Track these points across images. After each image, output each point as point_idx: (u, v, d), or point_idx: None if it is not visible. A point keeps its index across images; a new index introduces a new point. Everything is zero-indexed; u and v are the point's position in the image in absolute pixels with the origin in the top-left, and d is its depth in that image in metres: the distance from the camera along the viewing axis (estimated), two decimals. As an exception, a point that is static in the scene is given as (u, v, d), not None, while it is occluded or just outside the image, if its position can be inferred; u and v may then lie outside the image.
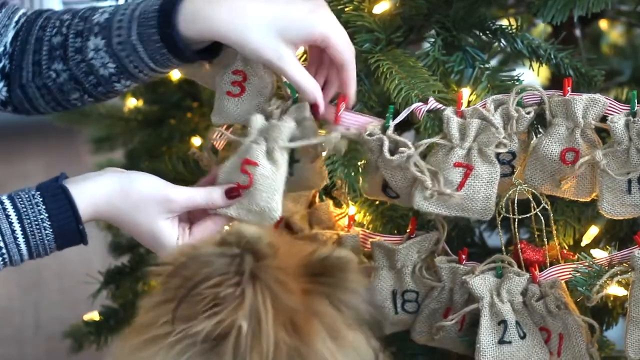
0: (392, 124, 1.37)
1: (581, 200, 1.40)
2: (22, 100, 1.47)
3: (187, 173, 1.84)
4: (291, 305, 1.12)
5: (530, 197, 1.40)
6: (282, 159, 1.34)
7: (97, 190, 1.31)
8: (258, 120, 1.35)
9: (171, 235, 1.34)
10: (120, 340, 1.28)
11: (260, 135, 1.34)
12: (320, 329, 1.13)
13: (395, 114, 1.38)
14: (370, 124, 1.38)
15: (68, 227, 1.28)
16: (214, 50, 1.40)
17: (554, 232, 1.46)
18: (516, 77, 1.46)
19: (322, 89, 1.38)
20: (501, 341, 1.40)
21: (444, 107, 1.38)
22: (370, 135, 1.37)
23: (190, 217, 1.37)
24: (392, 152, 1.36)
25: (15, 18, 1.46)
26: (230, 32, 1.34)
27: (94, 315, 2.06)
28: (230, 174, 1.34)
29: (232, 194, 1.34)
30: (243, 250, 1.12)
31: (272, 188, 1.33)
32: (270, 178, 1.33)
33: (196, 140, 1.88)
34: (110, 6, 1.44)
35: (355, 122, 1.39)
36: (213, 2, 1.35)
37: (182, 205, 1.33)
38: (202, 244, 1.18)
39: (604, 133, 1.38)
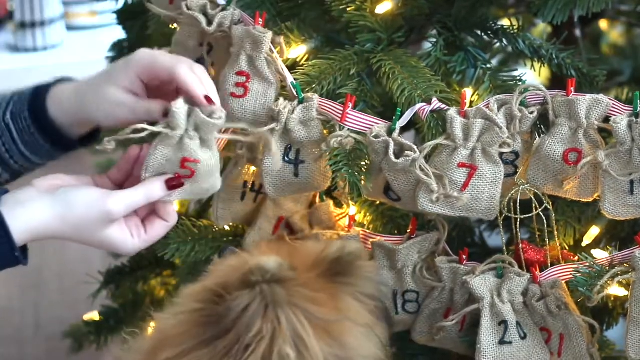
0: (398, 126, 1.37)
1: (583, 200, 1.40)
2: None
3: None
4: (325, 317, 1.16)
5: (532, 197, 1.41)
6: (213, 140, 1.34)
7: (32, 218, 1.30)
8: (182, 110, 1.32)
9: (124, 239, 1.35)
10: None
11: (189, 126, 1.33)
12: (352, 329, 1.18)
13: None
14: (376, 125, 1.39)
15: (3, 254, 1.29)
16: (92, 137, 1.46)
17: (555, 232, 1.46)
18: (518, 78, 1.46)
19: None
20: (502, 341, 1.40)
21: (448, 107, 1.39)
22: (376, 137, 1.37)
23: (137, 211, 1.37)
24: (397, 155, 1.36)
25: None
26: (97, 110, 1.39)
27: (94, 315, 2.05)
28: (164, 166, 1.34)
29: (172, 183, 1.34)
30: (269, 282, 1.15)
31: (213, 170, 1.35)
32: (210, 164, 1.34)
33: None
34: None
35: (360, 121, 1.40)
36: (82, 86, 1.42)
37: (123, 212, 1.33)
38: (226, 285, 1.18)
39: (605, 133, 1.38)
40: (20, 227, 1.29)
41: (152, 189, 1.34)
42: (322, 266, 1.21)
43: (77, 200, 1.32)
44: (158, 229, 1.37)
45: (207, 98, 1.33)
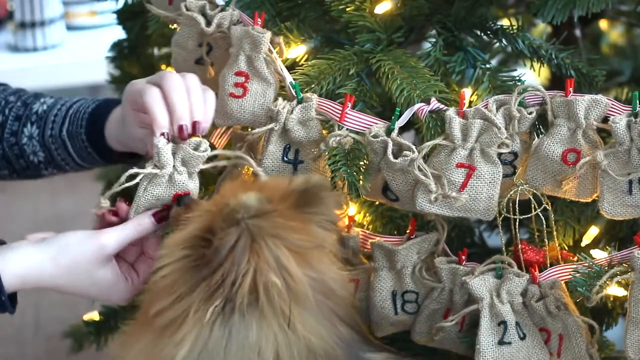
0: (396, 126, 1.38)
1: (582, 200, 1.40)
2: None
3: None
4: (302, 244, 1.25)
5: (531, 197, 1.40)
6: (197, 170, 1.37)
7: (23, 261, 1.30)
8: (165, 148, 1.34)
9: (117, 281, 1.35)
10: (133, 330, 1.30)
11: (176, 162, 1.34)
12: (322, 254, 1.28)
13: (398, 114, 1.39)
14: (375, 125, 1.39)
15: None
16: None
17: (554, 232, 1.46)
18: (517, 78, 1.46)
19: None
20: (501, 342, 1.40)
21: (446, 107, 1.39)
22: (374, 136, 1.37)
23: (124, 255, 1.38)
24: (396, 155, 1.36)
25: None
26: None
27: (94, 315, 2.05)
28: (155, 205, 1.36)
29: (160, 215, 1.35)
30: (252, 217, 1.21)
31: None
32: (196, 193, 1.38)
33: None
34: (52, 98, 1.54)
35: (359, 121, 1.40)
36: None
37: (116, 247, 1.34)
38: (210, 228, 1.24)
39: (604, 133, 1.38)
40: (10, 270, 1.29)
41: (141, 223, 1.35)
42: (291, 198, 1.28)
43: (69, 240, 1.32)
44: (149, 269, 1.36)
45: (180, 128, 1.35)
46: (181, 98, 1.35)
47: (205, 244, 1.24)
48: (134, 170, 1.34)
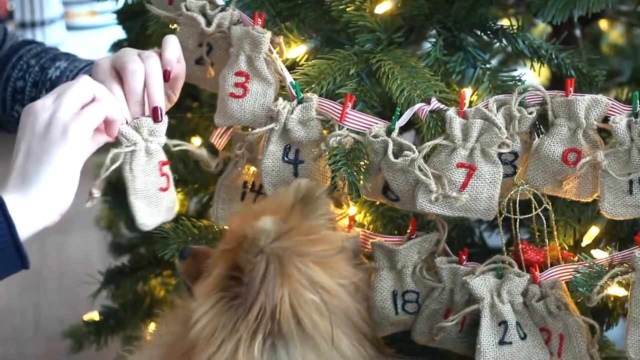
0: (397, 126, 1.38)
1: (582, 200, 1.40)
2: (2, 128, 1.56)
3: (187, 173, 1.84)
4: (324, 254, 1.25)
5: (531, 197, 1.41)
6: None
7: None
8: (127, 128, 1.33)
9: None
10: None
11: (145, 134, 1.34)
12: (339, 256, 1.29)
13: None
14: (375, 125, 1.39)
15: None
16: None
17: (555, 232, 1.46)
18: (518, 78, 1.46)
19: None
20: (502, 342, 1.40)
21: (447, 107, 1.39)
22: (375, 136, 1.37)
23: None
24: (396, 154, 1.36)
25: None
26: None
27: (94, 315, 2.06)
28: (147, 183, 1.35)
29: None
30: (273, 241, 1.21)
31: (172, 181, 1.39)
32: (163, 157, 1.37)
33: (196, 141, 1.87)
34: (67, 61, 1.52)
35: (360, 121, 1.40)
36: None
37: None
38: (235, 264, 1.24)
39: (604, 133, 1.38)
40: None
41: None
42: (296, 211, 1.28)
43: None
44: None
45: (155, 109, 1.34)
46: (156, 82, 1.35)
47: (235, 282, 1.24)
48: (116, 150, 1.33)
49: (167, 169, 1.37)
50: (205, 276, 1.28)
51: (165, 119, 1.36)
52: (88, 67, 1.51)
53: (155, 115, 1.34)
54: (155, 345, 1.40)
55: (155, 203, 1.36)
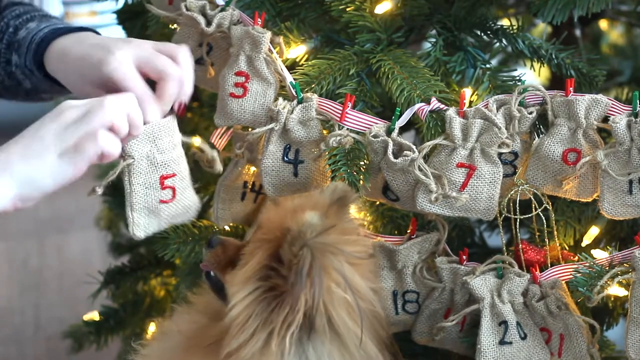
0: (397, 126, 1.38)
1: (582, 200, 1.40)
2: None
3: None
4: (360, 256, 1.27)
5: (531, 197, 1.41)
6: (180, 147, 1.36)
7: None
8: (134, 142, 1.32)
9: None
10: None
11: (153, 143, 1.33)
12: (370, 262, 1.31)
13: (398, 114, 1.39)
14: (375, 125, 1.39)
15: None
16: None
17: (555, 232, 1.46)
18: (518, 78, 1.46)
19: None
20: (502, 342, 1.40)
21: (447, 107, 1.39)
22: (375, 136, 1.37)
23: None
24: (396, 154, 1.36)
25: None
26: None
27: (94, 315, 2.05)
28: (147, 195, 1.35)
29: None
30: (317, 236, 1.22)
31: (187, 183, 1.38)
32: (185, 175, 1.36)
33: (196, 140, 1.88)
34: (36, 21, 1.47)
35: (360, 121, 1.40)
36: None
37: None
38: (277, 255, 1.25)
39: (604, 133, 1.38)
40: None
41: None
42: (332, 209, 1.28)
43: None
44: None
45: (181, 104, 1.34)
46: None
47: (274, 273, 1.24)
48: (126, 163, 1.33)
49: (172, 181, 1.35)
50: (242, 264, 1.28)
51: (178, 136, 1.35)
52: (47, 27, 1.44)
53: (181, 110, 1.34)
54: (170, 338, 1.39)
55: (155, 214, 1.36)
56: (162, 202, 1.35)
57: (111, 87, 1.32)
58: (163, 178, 1.34)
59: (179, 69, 1.32)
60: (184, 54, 1.34)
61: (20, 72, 1.46)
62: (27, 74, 1.45)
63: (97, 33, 1.43)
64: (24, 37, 1.44)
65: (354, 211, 1.37)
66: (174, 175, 1.35)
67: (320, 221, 1.23)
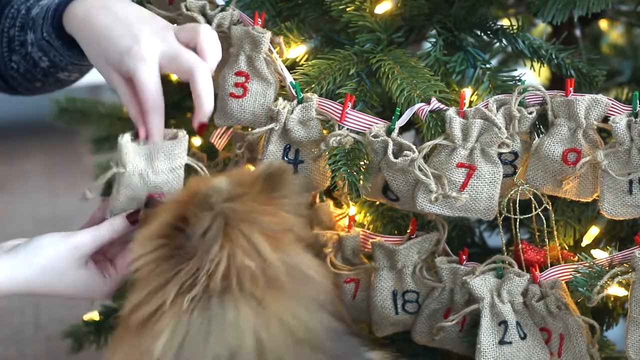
0: (397, 126, 1.38)
1: (582, 200, 1.40)
2: (10, 88, 1.51)
3: (186, 173, 1.84)
4: (274, 228, 1.24)
5: (531, 197, 1.41)
6: (181, 167, 1.35)
7: None
8: (127, 145, 1.33)
9: (96, 279, 1.33)
10: (117, 335, 1.29)
11: (153, 160, 1.34)
12: (293, 240, 1.27)
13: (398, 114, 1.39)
14: (375, 125, 1.39)
15: None
16: None
17: (555, 232, 1.46)
18: (518, 78, 1.46)
19: None
20: (502, 342, 1.40)
21: (447, 107, 1.39)
22: (375, 136, 1.37)
23: (104, 253, 1.37)
24: (396, 154, 1.36)
25: None
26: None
27: (94, 315, 2.05)
28: (127, 204, 1.35)
29: (134, 218, 1.35)
30: (225, 201, 1.20)
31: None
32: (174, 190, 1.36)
33: (196, 141, 1.88)
34: None
35: (360, 121, 1.40)
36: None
37: (91, 246, 1.32)
38: (182, 216, 1.22)
39: (604, 133, 1.38)
40: None
41: (114, 225, 1.34)
42: (257, 184, 1.26)
43: (43, 243, 1.31)
44: (129, 265, 1.34)
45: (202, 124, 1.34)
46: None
47: (178, 233, 1.23)
48: (113, 170, 1.34)
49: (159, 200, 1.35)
50: (150, 222, 1.27)
51: (182, 160, 1.35)
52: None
53: (200, 130, 1.33)
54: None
55: None
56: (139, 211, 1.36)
57: (128, 76, 1.32)
58: (150, 196, 1.35)
59: (205, 63, 1.32)
60: (207, 40, 1.33)
61: (37, 48, 1.44)
62: (44, 48, 1.43)
63: None
64: (37, 13, 1.43)
65: (294, 192, 1.32)
66: (162, 195, 1.35)
67: (229, 186, 1.22)
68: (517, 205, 1.41)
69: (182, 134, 1.35)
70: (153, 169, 1.33)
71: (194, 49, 1.34)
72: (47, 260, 1.30)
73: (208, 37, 1.35)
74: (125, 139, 1.33)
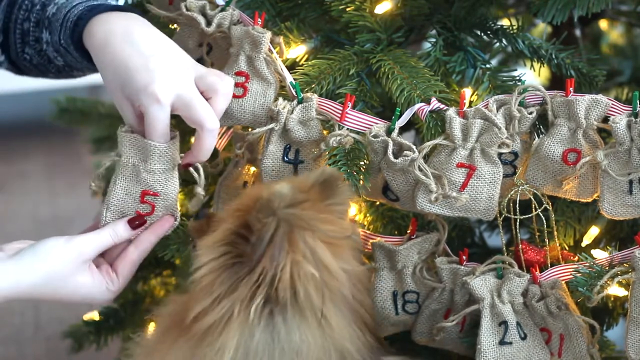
0: (397, 126, 1.38)
1: (582, 200, 1.40)
2: (21, 71, 1.51)
3: (187, 173, 1.84)
4: (334, 235, 1.24)
5: (531, 197, 1.41)
6: (174, 169, 1.36)
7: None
8: (125, 136, 1.33)
9: (99, 284, 1.34)
10: (163, 338, 1.29)
11: (138, 154, 1.34)
12: (347, 246, 1.28)
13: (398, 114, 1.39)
14: (375, 125, 1.39)
15: None
16: None
17: (555, 232, 1.46)
18: (518, 78, 1.46)
19: None
20: (502, 342, 1.40)
21: (447, 107, 1.39)
22: (375, 136, 1.37)
23: (104, 257, 1.37)
24: (396, 154, 1.36)
25: None
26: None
27: (94, 315, 2.05)
28: (125, 201, 1.36)
29: (135, 223, 1.35)
30: (287, 207, 1.20)
31: (172, 205, 1.37)
32: (171, 197, 1.37)
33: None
34: None
35: (360, 121, 1.40)
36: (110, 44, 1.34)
37: (93, 251, 1.33)
38: (245, 224, 1.23)
39: (604, 133, 1.38)
40: None
41: (116, 230, 1.34)
42: (313, 191, 1.26)
43: (46, 247, 1.30)
44: (129, 269, 1.37)
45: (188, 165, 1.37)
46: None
47: (242, 240, 1.23)
48: (112, 157, 1.36)
49: (154, 199, 1.36)
50: (213, 231, 1.27)
51: (175, 163, 1.35)
52: (81, 4, 1.40)
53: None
54: (158, 322, 1.39)
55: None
56: (138, 214, 1.36)
57: (139, 110, 1.32)
58: (144, 193, 1.35)
59: (216, 122, 1.32)
60: (224, 98, 1.34)
61: (53, 49, 1.44)
62: (61, 52, 1.43)
63: (138, 12, 1.40)
64: (54, 14, 1.42)
65: (345, 199, 1.33)
66: (157, 194, 1.36)
67: (291, 192, 1.21)
68: (517, 205, 1.41)
69: (175, 134, 1.35)
70: (146, 167, 1.34)
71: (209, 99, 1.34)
72: (51, 266, 1.30)
73: (226, 96, 1.35)
74: (125, 129, 1.34)
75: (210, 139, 1.32)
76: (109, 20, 1.36)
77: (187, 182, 1.85)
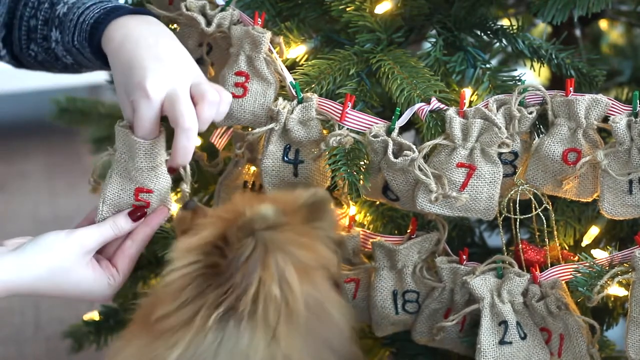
0: (397, 126, 1.38)
1: (582, 200, 1.40)
2: (23, 66, 1.52)
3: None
4: (308, 262, 1.25)
5: (531, 197, 1.41)
6: (162, 165, 1.36)
7: (1, 270, 1.28)
8: (121, 130, 1.34)
9: (101, 278, 1.34)
10: (130, 333, 1.30)
11: (126, 149, 1.34)
12: (324, 275, 1.28)
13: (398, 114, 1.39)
14: (375, 125, 1.39)
15: None
16: None
17: (555, 232, 1.46)
18: (518, 77, 1.46)
19: None
20: (502, 342, 1.40)
21: (447, 107, 1.39)
22: (375, 136, 1.37)
23: (100, 251, 1.37)
24: (396, 154, 1.36)
25: None
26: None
27: (94, 315, 2.05)
28: (120, 197, 1.36)
29: (136, 214, 1.35)
30: (267, 229, 1.22)
31: (167, 192, 1.38)
32: (164, 193, 1.37)
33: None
34: None
35: (360, 121, 1.40)
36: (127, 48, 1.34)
37: (95, 244, 1.33)
38: (224, 236, 1.24)
39: (604, 133, 1.38)
40: None
41: (117, 223, 1.35)
42: (301, 212, 1.28)
43: (47, 241, 1.30)
44: (128, 263, 1.37)
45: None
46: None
47: (217, 252, 1.24)
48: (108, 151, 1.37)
49: (148, 196, 1.36)
50: (192, 234, 1.28)
51: (162, 157, 1.35)
52: (95, 6, 1.41)
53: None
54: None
55: None
56: (134, 207, 1.37)
57: (132, 102, 1.32)
58: (139, 190, 1.36)
59: (189, 123, 1.30)
60: (209, 107, 1.32)
61: (63, 49, 1.44)
62: (72, 52, 1.43)
63: (151, 14, 1.41)
64: (65, 14, 1.42)
65: (332, 225, 1.34)
66: (151, 191, 1.36)
67: (273, 215, 1.22)
68: (517, 205, 1.41)
69: (160, 129, 1.35)
70: (134, 165, 1.34)
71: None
72: (53, 259, 1.30)
73: (212, 104, 1.32)
74: (122, 124, 1.34)
75: (184, 139, 1.30)
76: (126, 25, 1.36)
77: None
